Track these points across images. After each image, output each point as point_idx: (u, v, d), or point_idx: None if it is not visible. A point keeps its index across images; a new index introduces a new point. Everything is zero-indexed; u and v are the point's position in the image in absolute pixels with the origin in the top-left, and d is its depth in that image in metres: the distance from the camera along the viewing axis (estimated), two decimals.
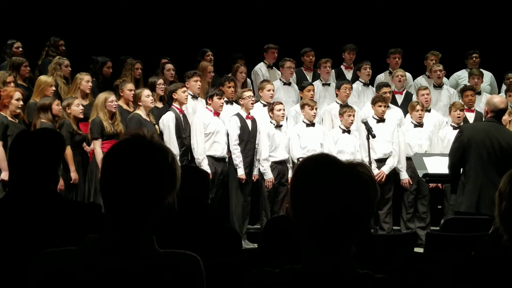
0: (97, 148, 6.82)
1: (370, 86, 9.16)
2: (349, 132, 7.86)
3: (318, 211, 1.68)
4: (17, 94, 6.56)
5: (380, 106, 7.90)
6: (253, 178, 7.78)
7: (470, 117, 8.36)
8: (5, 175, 6.23)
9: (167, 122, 7.38)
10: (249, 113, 7.77)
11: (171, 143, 7.21)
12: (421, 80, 9.44)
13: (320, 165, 1.73)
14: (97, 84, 8.07)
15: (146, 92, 7.31)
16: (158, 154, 1.79)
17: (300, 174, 1.75)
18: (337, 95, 8.46)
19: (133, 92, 7.48)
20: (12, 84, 6.98)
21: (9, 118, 6.49)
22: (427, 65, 9.44)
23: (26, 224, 2.46)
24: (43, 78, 7.28)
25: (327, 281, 1.68)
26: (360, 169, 1.72)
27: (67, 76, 7.88)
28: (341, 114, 7.87)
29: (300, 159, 6.79)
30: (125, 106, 7.46)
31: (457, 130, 6.04)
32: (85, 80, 7.49)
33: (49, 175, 2.62)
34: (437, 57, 9.39)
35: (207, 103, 7.67)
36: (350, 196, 1.68)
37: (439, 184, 7.94)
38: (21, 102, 6.59)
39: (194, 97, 7.99)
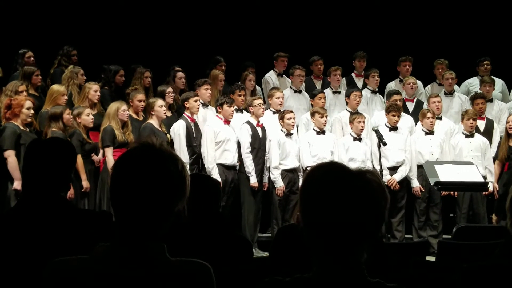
0: (109, 156, 6.83)
1: (378, 93, 9.14)
2: (360, 139, 7.84)
3: (327, 219, 1.67)
4: (28, 103, 6.56)
5: (394, 115, 7.86)
6: (263, 186, 7.78)
7: (481, 124, 8.31)
8: (17, 185, 6.24)
9: (178, 130, 7.39)
10: (259, 121, 7.77)
11: (181, 151, 7.22)
12: (432, 87, 9.40)
13: (329, 173, 1.72)
14: (110, 93, 8.07)
15: (160, 102, 7.30)
16: (168, 161, 1.79)
17: (309, 182, 1.74)
18: (347, 103, 8.44)
19: (142, 103, 7.49)
20: (25, 94, 6.99)
21: (21, 127, 6.50)
22: (437, 74, 9.40)
23: (38, 232, 2.47)
24: (55, 87, 7.29)
25: None
26: (369, 176, 1.70)
27: (82, 85, 7.87)
28: (351, 122, 7.84)
29: (308, 168, 6.76)
30: (134, 115, 7.47)
31: None
32: (93, 89, 7.51)
33: (61, 184, 2.64)
34: (444, 64, 9.34)
35: (217, 111, 7.67)
36: (359, 203, 1.67)
37: (451, 192, 7.89)
38: (32, 111, 6.59)
39: (205, 105, 8.00)
